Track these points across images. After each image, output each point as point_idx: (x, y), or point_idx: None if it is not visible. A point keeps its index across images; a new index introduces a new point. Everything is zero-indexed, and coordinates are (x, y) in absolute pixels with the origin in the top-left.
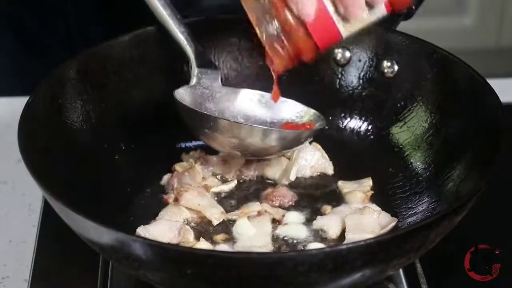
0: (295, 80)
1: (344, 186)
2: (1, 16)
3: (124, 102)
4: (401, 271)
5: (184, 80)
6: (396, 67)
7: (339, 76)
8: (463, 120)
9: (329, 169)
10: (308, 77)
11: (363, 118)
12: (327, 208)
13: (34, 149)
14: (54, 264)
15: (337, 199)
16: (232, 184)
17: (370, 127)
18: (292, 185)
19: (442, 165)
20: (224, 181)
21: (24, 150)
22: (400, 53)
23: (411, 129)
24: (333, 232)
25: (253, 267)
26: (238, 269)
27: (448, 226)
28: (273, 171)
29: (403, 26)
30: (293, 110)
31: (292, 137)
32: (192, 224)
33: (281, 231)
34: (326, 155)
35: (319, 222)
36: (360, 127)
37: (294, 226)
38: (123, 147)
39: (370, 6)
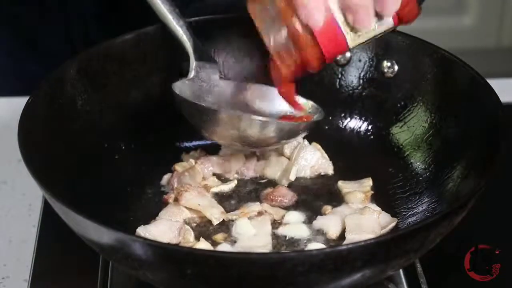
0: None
1: (344, 186)
2: (1, 16)
3: (124, 102)
4: (401, 271)
5: None
6: (396, 67)
7: (339, 76)
8: (463, 120)
9: (329, 169)
10: (308, 77)
11: (363, 118)
12: (327, 208)
13: (34, 149)
14: (54, 264)
15: (337, 199)
16: (232, 184)
17: (370, 127)
18: (292, 185)
19: (442, 165)
20: (224, 181)
21: (24, 150)
22: (400, 53)
23: (411, 129)
24: (333, 232)
25: (253, 267)
26: (238, 269)
27: (448, 226)
28: (273, 171)
29: (403, 26)
30: None
31: (289, 129)
32: (192, 224)
33: (281, 231)
34: (326, 155)
35: (319, 222)
36: (360, 127)
37: (294, 226)
38: (123, 147)
39: (379, 17)
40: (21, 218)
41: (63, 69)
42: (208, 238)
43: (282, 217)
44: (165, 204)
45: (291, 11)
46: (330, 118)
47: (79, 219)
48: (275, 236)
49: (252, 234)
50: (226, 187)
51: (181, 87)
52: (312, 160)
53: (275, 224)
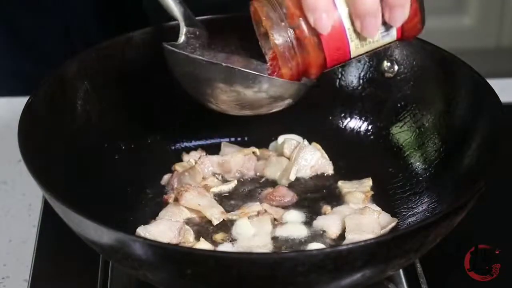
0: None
1: (344, 186)
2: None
3: (124, 102)
4: (401, 271)
5: None
6: (396, 67)
7: (339, 76)
8: (463, 120)
9: (329, 169)
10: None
11: (363, 118)
12: (327, 208)
13: (34, 149)
14: (54, 264)
15: (337, 199)
16: (232, 184)
17: (370, 127)
18: (292, 185)
19: (442, 165)
20: (224, 181)
21: (24, 150)
22: (400, 53)
23: (411, 129)
24: (333, 232)
25: (253, 267)
26: (238, 269)
27: (448, 226)
28: (273, 171)
29: None
30: None
31: (280, 84)
32: (192, 224)
33: (281, 231)
34: (326, 155)
35: (319, 222)
36: (360, 127)
37: (294, 226)
38: (123, 147)
39: (386, 27)
40: (21, 218)
41: (63, 69)
42: (208, 238)
43: (282, 217)
44: (165, 204)
45: (300, 13)
46: (330, 118)
47: (79, 219)
48: (275, 236)
49: (252, 234)
50: (226, 187)
51: (173, 47)
52: (312, 160)
53: (275, 224)
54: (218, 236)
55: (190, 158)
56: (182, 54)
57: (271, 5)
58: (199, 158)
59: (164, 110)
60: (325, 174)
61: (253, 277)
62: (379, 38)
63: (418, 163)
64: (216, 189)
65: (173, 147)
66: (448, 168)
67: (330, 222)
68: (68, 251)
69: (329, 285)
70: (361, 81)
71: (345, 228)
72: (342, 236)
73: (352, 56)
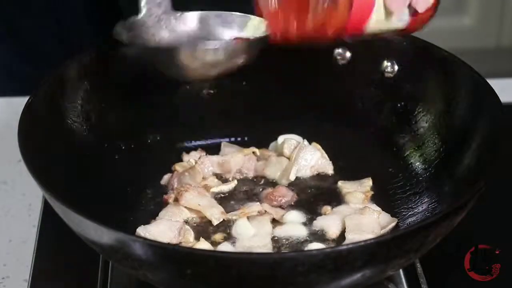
0: (294, 80)
1: (344, 186)
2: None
3: (124, 102)
4: (401, 271)
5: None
6: (396, 67)
7: (339, 76)
8: (463, 120)
9: (329, 169)
10: (308, 77)
11: (363, 118)
12: (327, 208)
13: (34, 149)
14: (54, 264)
15: (337, 199)
16: (232, 184)
17: (370, 127)
18: (292, 185)
19: (442, 165)
20: (224, 181)
21: (24, 150)
22: (400, 53)
23: (411, 129)
24: (333, 232)
25: (253, 267)
26: (238, 269)
27: (448, 226)
28: (273, 171)
29: None
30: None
31: (229, 45)
32: (192, 224)
33: (281, 231)
34: (326, 155)
35: (319, 222)
36: (360, 127)
37: (294, 226)
38: (123, 147)
39: (410, 8)
40: (21, 218)
41: (63, 69)
42: (208, 238)
43: (282, 217)
44: (165, 204)
45: None
46: (330, 118)
47: (79, 219)
48: (275, 236)
49: (252, 234)
50: (226, 187)
51: (130, 28)
52: (312, 160)
53: (275, 224)
54: (218, 236)
55: (190, 158)
56: (136, 46)
57: None
58: (199, 158)
59: (164, 110)
60: (325, 174)
61: (253, 277)
62: (396, 19)
63: (418, 163)
64: (216, 189)
65: (173, 147)
66: (448, 168)
67: (330, 222)
68: (68, 251)
69: (329, 285)
70: (361, 81)
71: (345, 228)
72: (342, 236)
73: (366, 30)
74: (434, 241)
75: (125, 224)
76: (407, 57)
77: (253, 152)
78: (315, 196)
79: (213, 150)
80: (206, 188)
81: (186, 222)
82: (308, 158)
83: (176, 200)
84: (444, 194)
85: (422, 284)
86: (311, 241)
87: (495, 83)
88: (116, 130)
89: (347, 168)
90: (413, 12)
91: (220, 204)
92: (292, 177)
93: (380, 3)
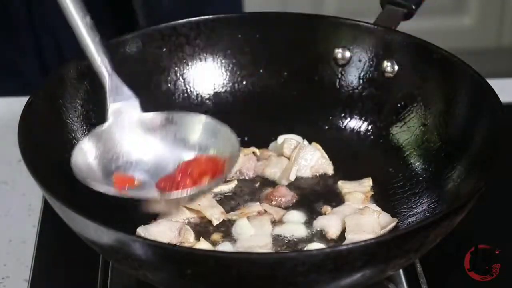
0: (295, 80)
1: (344, 186)
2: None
3: None
4: (401, 271)
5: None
6: (396, 67)
7: (339, 76)
8: (463, 120)
9: (329, 169)
10: (308, 77)
11: (363, 118)
12: (327, 208)
13: (34, 149)
14: (54, 264)
15: (337, 199)
16: (232, 184)
17: (370, 127)
18: (292, 185)
19: (442, 165)
20: (224, 181)
21: (24, 150)
22: (400, 53)
23: (411, 129)
24: (333, 232)
25: (253, 267)
26: (238, 269)
27: (448, 226)
28: (273, 171)
29: (403, 26)
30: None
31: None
32: (192, 224)
33: (281, 231)
34: (326, 155)
35: (319, 222)
36: (360, 127)
37: (294, 226)
38: None
39: None
40: (21, 218)
41: (63, 69)
42: (208, 238)
43: (282, 217)
44: None
45: None
46: (330, 118)
47: (79, 219)
48: (275, 236)
49: (252, 234)
50: (226, 187)
51: (89, 146)
52: (312, 160)
53: (275, 224)
54: (218, 236)
55: None
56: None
57: None
58: None
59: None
60: (325, 174)
61: (253, 277)
62: None
63: (418, 163)
64: (216, 189)
65: None
66: (448, 168)
67: (330, 222)
68: (68, 251)
69: (329, 285)
70: (361, 81)
71: (345, 228)
72: (342, 236)
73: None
74: (434, 241)
75: (125, 224)
76: (407, 57)
77: (253, 152)
78: (315, 196)
79: None
80: None
81: (186, 222)
82: (308, 158)
83: None
84: (444, 194)
85: (422, 284)
86: (311, 241)
87: (495, 83)
88: None
89: (347, 168)
90: None
91: (220, 204)
92: (292, 177)
93: None
